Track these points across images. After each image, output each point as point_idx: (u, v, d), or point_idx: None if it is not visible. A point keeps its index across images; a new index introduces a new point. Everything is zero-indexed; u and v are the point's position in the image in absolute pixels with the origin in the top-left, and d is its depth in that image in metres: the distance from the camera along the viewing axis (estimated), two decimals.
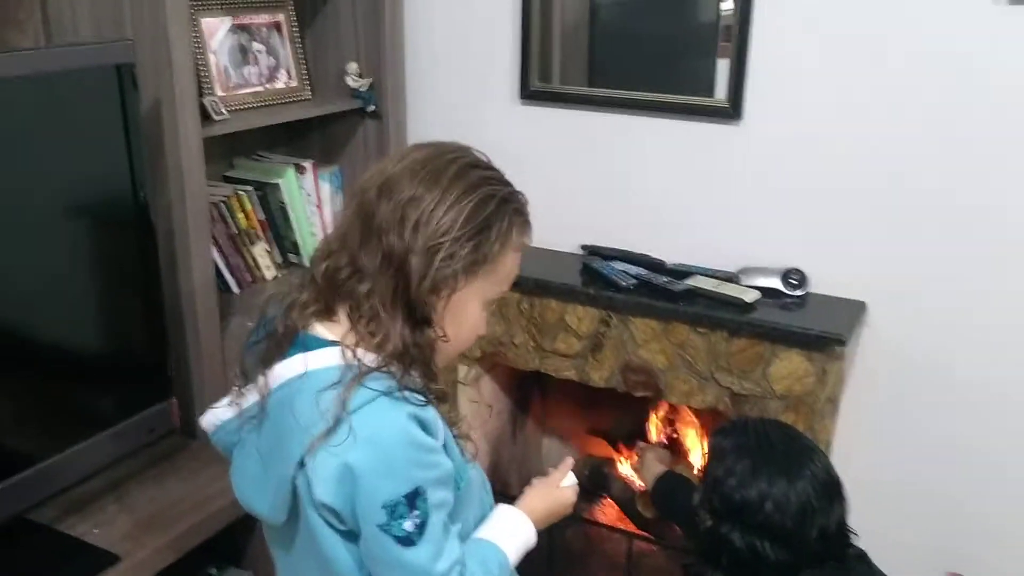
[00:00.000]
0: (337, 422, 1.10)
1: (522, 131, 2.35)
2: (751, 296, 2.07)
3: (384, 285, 1.16)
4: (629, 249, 2.31)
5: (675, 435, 2.65)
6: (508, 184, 1.23)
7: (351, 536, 1.17)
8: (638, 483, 2.65)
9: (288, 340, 1.21)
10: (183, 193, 1.84)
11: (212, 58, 2.09)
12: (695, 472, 2.52)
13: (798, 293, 2.10)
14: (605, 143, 2.31)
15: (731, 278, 2.15)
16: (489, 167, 1.23)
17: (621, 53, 2.31)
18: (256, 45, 2.20)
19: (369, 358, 1.15)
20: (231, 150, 2.31)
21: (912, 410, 2.11)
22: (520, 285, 2.29)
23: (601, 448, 2.79)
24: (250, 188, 2.23)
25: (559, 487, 1.44)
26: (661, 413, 2.65)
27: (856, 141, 2.02)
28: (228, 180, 2.28)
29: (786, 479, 1.40)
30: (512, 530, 1.33)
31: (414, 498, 1.12)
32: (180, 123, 1.79)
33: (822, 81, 2.02)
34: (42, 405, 1.63)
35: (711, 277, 2.16)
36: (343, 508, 1.13)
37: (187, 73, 1.79)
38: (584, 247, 2.37)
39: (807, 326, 1.98)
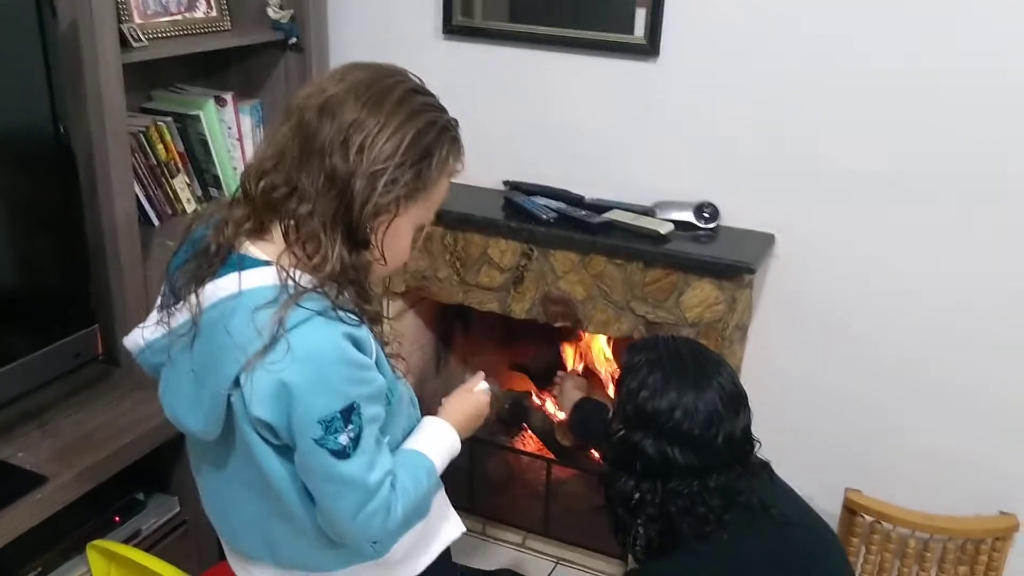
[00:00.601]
0: (273, 340, 1.12)
1: (445, 66, 2.37)
2: (666, 228, 2.15)
3: (325, 207, 1.17)
4: (550, 184, 2.36)
5: (589, 369, 2.74)
6: (445, 111, 1.26)
7: (286, 451, 1.21)
8: (557, 415, 2.74)
9: (220, 259, 1.22)
10: (103, 121, 1.81)
11: None
12: (609, 398, 2.62)
13: (710, 226, 2.19)
14: (527, 79, 2.34)
15: (647, 212, 2.23)
16: (428, 92, 1.26)
17: None
18: None
19: (305, 279, 1.18)
20: (148, 81, 2.28)
21: (815, 335, 2.23)
22: (443, 219, 2.33)
23: (521, 382, 2.86)
24: (169, 119, 2.20)
25: (473, 392, 1.52)
26: (576, 347, 2.74)
27: (769, 80, 2.10)
28: (146, 112, 2.25)
29: (695, 390, 1.50)
30: (437, 439, 1.39)
31: (349, 413, 1.16)
32: (99, 48, 1.76)
33: (738, 19, 2.09)
34: None
35: (628, 211, 2.23)
36: (279, 423, 1.16)
37: None
38: (506, 183, 2.41)
39: (718, 256, 2.07)
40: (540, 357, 2.82)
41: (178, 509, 1.96)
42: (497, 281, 2.33)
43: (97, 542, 1.59)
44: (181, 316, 1.25)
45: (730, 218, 2.21)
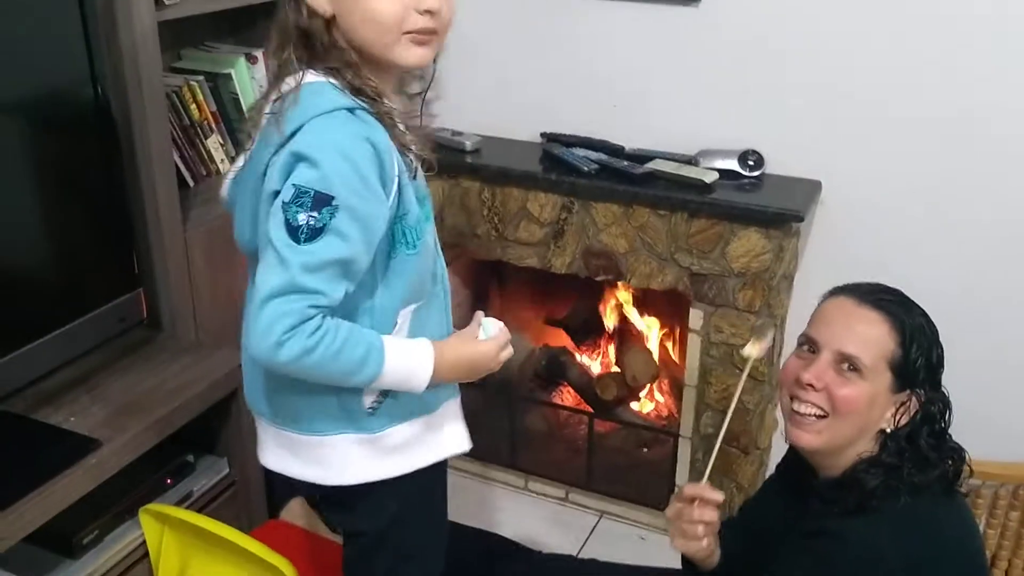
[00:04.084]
0: (300, 127, 1.19)
1: (479, 15, 2.32)
2: (710, 177, 2.11)
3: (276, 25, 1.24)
4: (589, 136, 2.32)
5: (626, 323, 2.72)
6: None
7: None
8: (593, 369, 2.73)
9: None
10: (140, 82, 1.78)
11: None
12: (652, 355, 2.60)
13: (755, 174, 2.15)
14: (562, 28, 2.29)
15: (690, 161, 2.19)
16: None
17: None
18: None
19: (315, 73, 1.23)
20: (177, 40, 2.24)
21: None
22: (480, 173, 2.30)
23: (558, 337, 2.85)
24: (201, 78, 2.17)
25: (477, 339, 1.37)
26: (613, 301, 2.71)
27: (814, 26, 2.05)
28: (176, 71, 2.21)
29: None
30: (406, 350, 1.27)
31: (322, 202, 1.15)
32: (134, 5, 1.73)
33: None
34: (12, 297, 1.60)
35: (670, 160, 2.19)
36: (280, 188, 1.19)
37: None
38: (544, 135, 2.37)
39: (764, 204, 2.03)
40: (577, 312, 2.80)
41: (227, 471, 1.95)
42: (537, 236, 2.30)
43: (150, 506, 1.59)
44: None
45: (775, 166, 2.17)
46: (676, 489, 2.31)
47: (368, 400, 1.32)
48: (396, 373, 1.25)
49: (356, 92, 1.23)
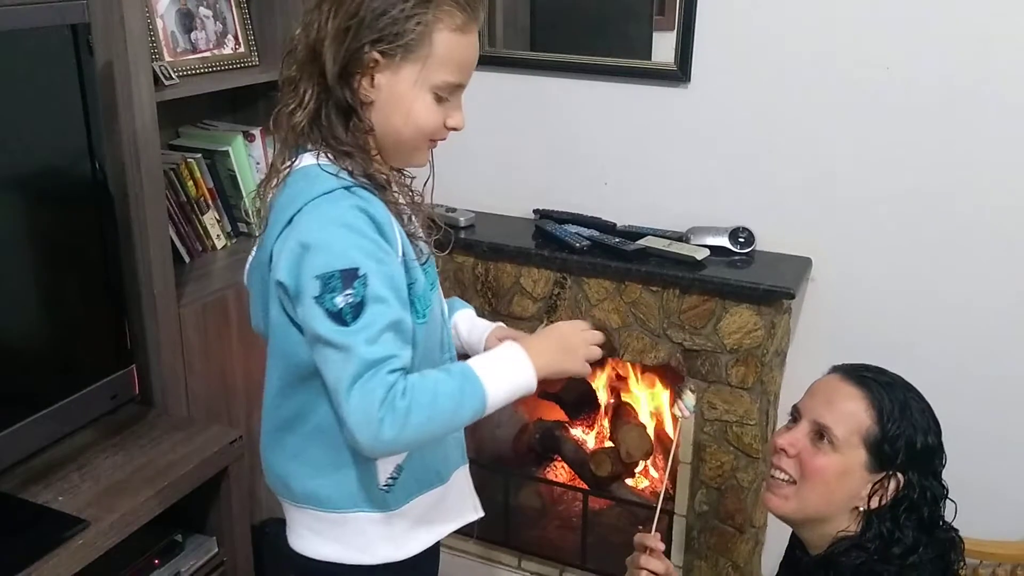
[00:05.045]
0: (298, 211, 1.20)
1: (469, 95, 2.35)
2: (701, 254, 2.13)
3: (311, 83, 1.23)
4: (581, 212, 2.35)
5: (621, 399, 2.71)
6: None
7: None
8: (588, 445, 2.71)
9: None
10: (138, 159, 1.80)
11: (159, 22, 2.06)
12: (646, 431, 2.59)
13: (746, 251, 2.17)
14: (553, 107, 2.34)
15: (681, 238, 2.21)
16: None
17: (563, 17, 2.35)
18: (203, 10, 2.17)
19: (326, 159, 1.24)
20: (177, 118, 2.28)
21: (855, 359, 2.19)
22: (474, 249, 2.32)
23: (553, 412, 2.83)
24: (199, 156, 2.20)
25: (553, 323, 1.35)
26: (607, 376, 2.70)
27: (803, 103, 2.09)
28: (174, 148, 2.25)
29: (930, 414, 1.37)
30: (499, 361, 1.24)
31: (350, 277, 1.15)
32: (134, 86, 1.76)
33: (769, 44, 2.09)
34: (3, 374, 1.60)
35: (662, 237, 2.21)
36: (292, 284, 1.19)
37: (140, 34, 1.76)
38: (536, 211, 2.40)
39: (756, 281, 2.05)
40: (572, 386, 2.79)
41: (216, 550, 1.92)
42: (530, 310, 2.31)
43: None
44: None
45: (765, 243, 2.19)
46: None
47: (383, 477, 1.32)
48: (499, 383, 1.21)
49: (367, 178, 1.25)
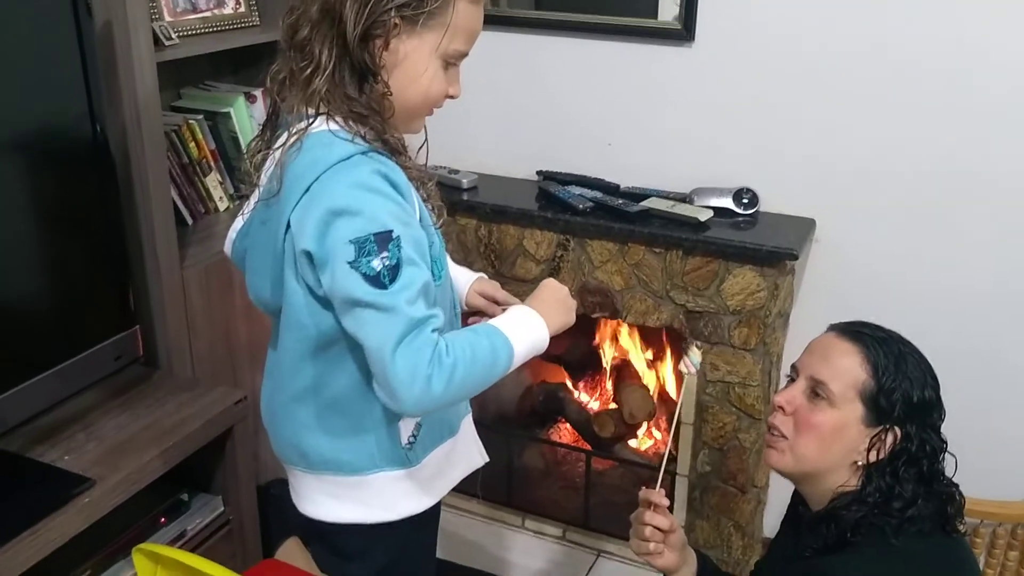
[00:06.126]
0: (316, 178, 1.18)
1: (473, 55, 2.33)
2: (704, 215, 2.12)
3: (326, 44, 1.20)
4: (584, 174, 2.34)
5: (624, 360, 2.72)
6: None
7: (326, 304, 1.23)
8: (591, 406, 2.73)
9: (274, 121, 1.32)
10: (139, 120, 1.79)
11: None
12: (649, 392, 2.60)
13: (750, 212, 2.16)
14: (557, 67, 2.32)
15: (684, 199, 2.20)
16: None
17: None
18: None
19: (336, 124, 1.23)
20: (178, 79, 2.26)
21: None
22: (476, 212, 2.31)
23: (556, 373, 2.84)
24: (200, 117, 2.19)
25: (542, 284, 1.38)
26: (610, 337, 2.71)
27: (808, 63, 2.07)
28: (176, 110, 2.24)
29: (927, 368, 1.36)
30: (518, 320, 1.28)
31: (385, 240, 1.15)
32: (134, 47, 1.75)
33: (774, 3, 2.06)
34: (8, 334, 1.61)
35: (665, 198, 2.20)
36: (319, 250, 1.18)
37: None
38: (540, 173, 2.39)
39: (759, 242, 2.04)
40: (575, 347, 2.80)
41: (222, 509, 1.94)
42: (533, 273, 2.31)
43: (143, 545, 1.56)
44: (253, 198, 1.35)
45: (769, 204, 2.18)
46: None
47: (406, 435, 1.34)
48: (522, 340, 1.25)
49: (381, 142, 1.24)
